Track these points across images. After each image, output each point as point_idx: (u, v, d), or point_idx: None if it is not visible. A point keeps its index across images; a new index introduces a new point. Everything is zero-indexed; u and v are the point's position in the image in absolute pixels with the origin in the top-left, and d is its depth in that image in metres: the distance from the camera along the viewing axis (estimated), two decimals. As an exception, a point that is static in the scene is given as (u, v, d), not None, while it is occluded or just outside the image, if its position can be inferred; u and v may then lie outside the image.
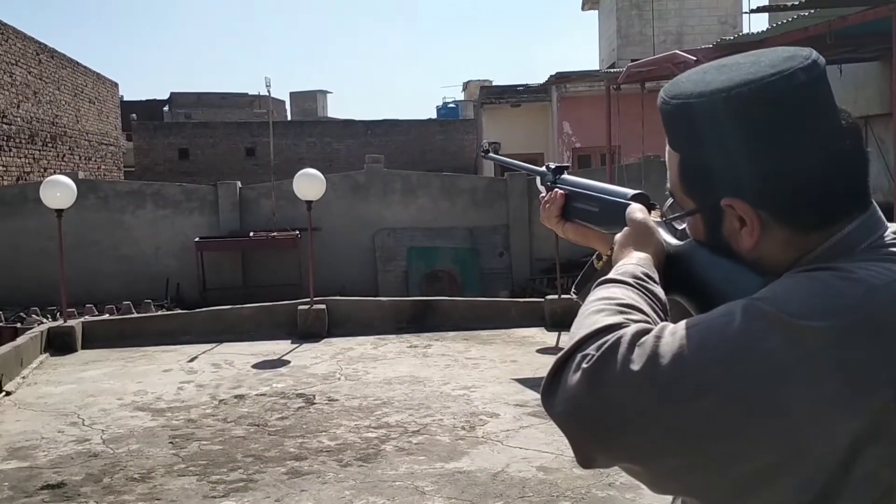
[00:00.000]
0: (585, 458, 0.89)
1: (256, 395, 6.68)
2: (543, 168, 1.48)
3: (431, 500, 4.42)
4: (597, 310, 0.94)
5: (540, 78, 32.99)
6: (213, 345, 8.65)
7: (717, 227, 1.00)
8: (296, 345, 8.60)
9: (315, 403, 6.39)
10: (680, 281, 1.06)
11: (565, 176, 1.43)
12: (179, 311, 10.79)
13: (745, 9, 18.19)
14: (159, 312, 10.76)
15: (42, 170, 18.13)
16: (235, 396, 6.64)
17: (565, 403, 0.87)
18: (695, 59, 9.99)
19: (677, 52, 10.64)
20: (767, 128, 0.92)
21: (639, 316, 0.92)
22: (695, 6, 20.86)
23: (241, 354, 8.17)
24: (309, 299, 9.18)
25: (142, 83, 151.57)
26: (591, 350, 0.87)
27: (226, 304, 9.98)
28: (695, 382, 0.82)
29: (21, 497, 4.60)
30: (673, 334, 0.85)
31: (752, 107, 0.92)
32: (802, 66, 0.92)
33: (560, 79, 18.11)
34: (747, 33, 12.54)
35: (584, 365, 0.86)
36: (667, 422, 0.82)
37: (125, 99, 32.65)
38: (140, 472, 4.95)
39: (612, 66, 19.90)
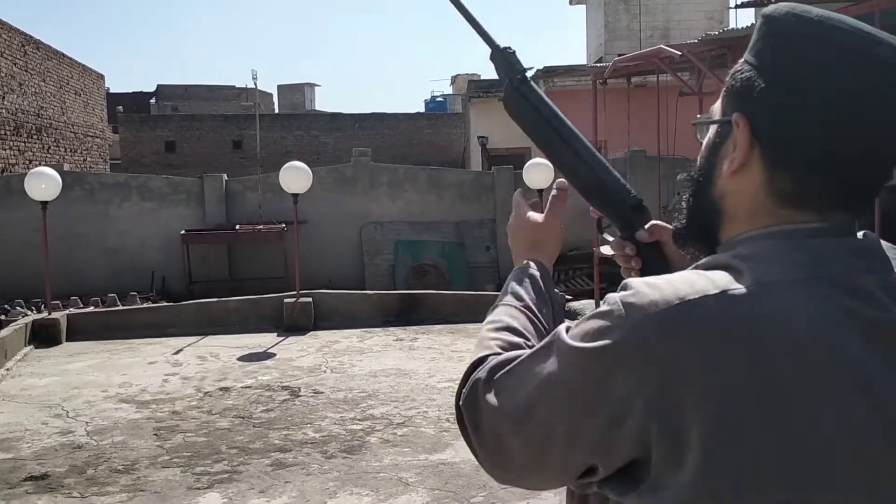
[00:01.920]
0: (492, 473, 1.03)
1: (241, 387, 6.69)
2: (503, 47, 1.32)
3: (415, 491, 4.45)
4: (480, 341, 1.11)
5: (528, 72, 32.95)
6: (199, 337, 8.64)
7: (719, 144, 0.98)
8: (282, 338, 8.61)
9: (300, 396, 6.40)
10: None
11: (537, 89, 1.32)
12: (165, 303, 10.77)
13: (732, 4, 18.24)
14: (145, 305, 10.74)
15: (27, 162, 18.02)
16: (220, 389, 6.65)
17: (466, 426, 1.03)
18: (680, 53, 10.04)
19: (663, 46, 10.67)
20: (839, 82, 0.89)
21: (516, 339, 1.08)
22: (682, 1, 20.90)
23: (227, 347, 8.17)
24: (295, 292, 9.18)
25: (128, 75, 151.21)
26: (466, 386, 1.04)
27: (211, 297, 9.95)
28: (523, 408, 0.94)
29: (4, 488, 4.60)
30: (518, 364, 0.98)
31: (847, 56, 0.91)
32: None
33: (547, 73, 18.10)
34: (733, 28, 12.61)
35: (464, 392, 1.04)
36: (517, 440, 0.96)
37: (111, 91, 32.49)
38: (124, 463, 4.95)
39: (600, 60, 19.93)
